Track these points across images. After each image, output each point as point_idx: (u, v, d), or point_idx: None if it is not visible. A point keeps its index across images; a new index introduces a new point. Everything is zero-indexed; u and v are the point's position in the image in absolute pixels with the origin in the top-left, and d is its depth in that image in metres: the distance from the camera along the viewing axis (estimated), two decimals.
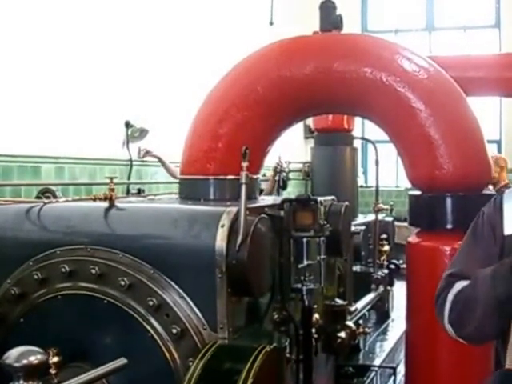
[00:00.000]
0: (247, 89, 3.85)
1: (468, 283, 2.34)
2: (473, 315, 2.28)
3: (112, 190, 3.33)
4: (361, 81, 3.76)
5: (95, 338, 2.99)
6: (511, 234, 2.37)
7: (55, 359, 2.63)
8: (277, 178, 7.20)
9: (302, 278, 3.51)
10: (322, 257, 3.63)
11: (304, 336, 3.48)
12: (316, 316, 3.66)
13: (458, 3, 13.07)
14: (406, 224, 4.43)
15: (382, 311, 6.50)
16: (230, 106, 3.82)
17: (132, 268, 2.96)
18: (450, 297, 2.37)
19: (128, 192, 6.64)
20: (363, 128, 11.68)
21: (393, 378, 5.00)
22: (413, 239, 3.98)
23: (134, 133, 7.29)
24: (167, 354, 2.84)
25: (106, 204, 3.30)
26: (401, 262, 6.86)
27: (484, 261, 2.38)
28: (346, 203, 4.03)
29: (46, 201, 3.51)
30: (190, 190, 3.81)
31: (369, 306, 5.87)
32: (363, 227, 6.03)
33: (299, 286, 3.49)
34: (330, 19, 4.96)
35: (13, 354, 2.09)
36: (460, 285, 2.37)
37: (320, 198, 3.66)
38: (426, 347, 3.80)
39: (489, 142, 3.99)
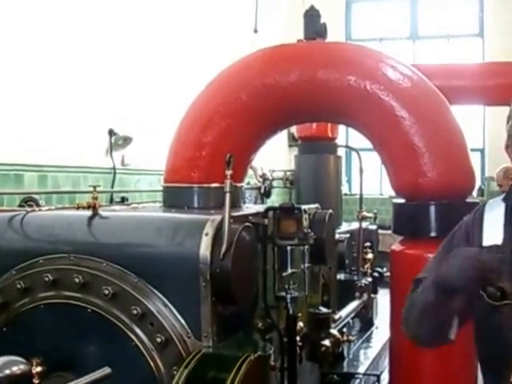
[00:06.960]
0: (231, 97, 3.84)
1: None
2: (413, 319, 2.41)
3: (95, 198, 3.32)
4: (345, 89, 3.77)
5: (79, 347, 2.98)
6: (489, 246, 2.35)
7: (38, 369, 2.60)
8: (260, 184, 7.17)
9: (286, 286, 3.51)
10: (306, 265, 3.64)
11: (288, 344, 3.48)
12: (300, 324, 3.66)
13: (442, 12, 13.11)
14: (389, 232, 4.44)
15: (366, 319, 6.50)
16: (214, 114, 3.82)
17: (116, 277, 2.95)
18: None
19: (111, 200, 6.60)
20: (347, 136, 11.68)
21: None
22: (396, 247, 3.98)
23: (117, 141, 7.25)
24: (151, 363, 2.84)
25: (89, 212, 3.29)
26: (385, 269, 6.86)
27: None
28: (330, 211, 4.04)
29: (29, 209, 3.49)
30: (173, 199, 3.80)
31: (353, 314, 5.86)
32: (347, 235, 6.02)
33: (283, 294, 3.50)
34: (314, 27, 4.95)
35: None
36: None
37: (304, 206, 3.66)
38: (410, 355, 3.79)
39: (472, 150, 4.01)
